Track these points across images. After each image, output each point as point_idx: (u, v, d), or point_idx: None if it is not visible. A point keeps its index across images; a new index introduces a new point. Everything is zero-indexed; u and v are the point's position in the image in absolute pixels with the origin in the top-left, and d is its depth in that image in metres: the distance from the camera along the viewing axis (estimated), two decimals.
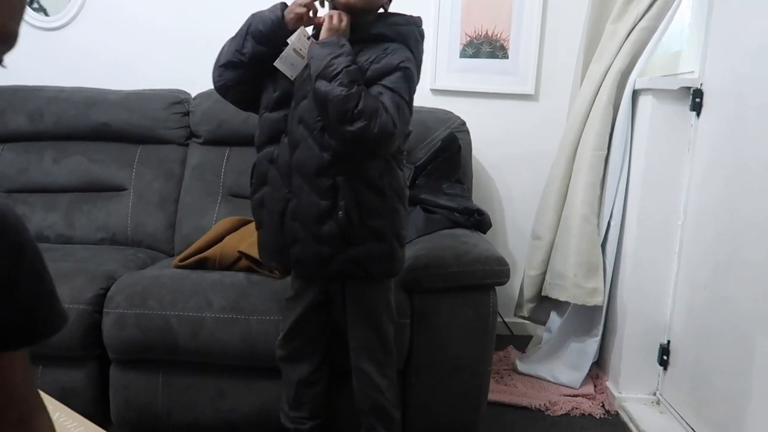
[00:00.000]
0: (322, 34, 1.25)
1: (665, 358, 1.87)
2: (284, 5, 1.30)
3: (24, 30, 2.13)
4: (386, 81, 1.22)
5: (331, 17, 1.25)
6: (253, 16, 1.31)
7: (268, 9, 1.30)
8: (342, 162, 1.25)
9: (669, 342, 1.86)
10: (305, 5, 1.27)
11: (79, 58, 2.37)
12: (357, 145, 1.21)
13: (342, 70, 1.18)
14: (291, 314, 1.44)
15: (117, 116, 2.13)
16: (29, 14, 2.33)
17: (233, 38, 1.33)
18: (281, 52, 1.27)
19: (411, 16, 1.33)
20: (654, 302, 1.88)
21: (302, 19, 1.27)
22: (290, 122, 1.30)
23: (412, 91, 1.26)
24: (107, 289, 1.60)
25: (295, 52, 1.27)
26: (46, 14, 2.35)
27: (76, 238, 2.06)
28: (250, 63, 1.31)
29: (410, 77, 1.25)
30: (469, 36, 2.35)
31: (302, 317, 1.43)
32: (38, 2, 2.34)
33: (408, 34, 1.30)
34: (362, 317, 1.38)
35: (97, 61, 2.36)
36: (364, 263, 1.31)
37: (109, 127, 2.13)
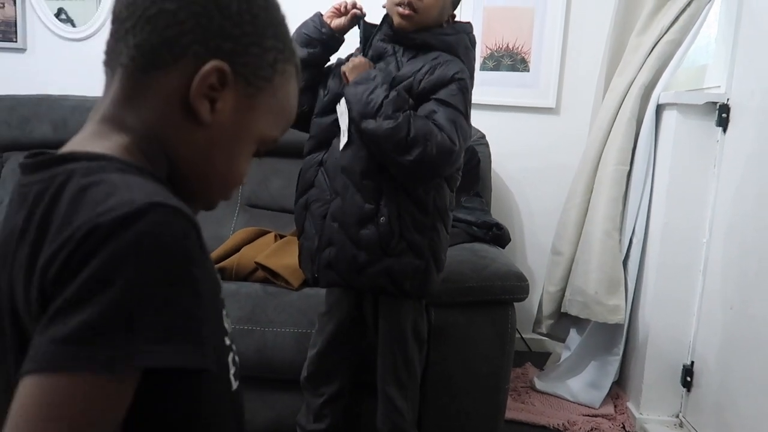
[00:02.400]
0: (349, 76, 1.26)
1: (689, 379, 1.82)
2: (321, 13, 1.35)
3: (51, 40, 2.19)
4: (441, 94, 1.21)
5: (350, 61, 1.27)
6: (297, 28, 1.35)
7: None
8: (384, 170, 1.24)
9: (693, 363, 1.81)
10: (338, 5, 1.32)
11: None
12: (419, 172, 1.20)
13: (382, 103, 1.18)
14: (324, 332, 1.43)
15: None
16: (56, 25, 2.38)
17: None
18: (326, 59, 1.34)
19: (461, 24, 1.32)
20: (677, 321, 1.83)
21: (339, 13, 1.31)
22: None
23: (468, 103, 1.25)
24: None
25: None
26: (73, 25, 2.39)
27: None
28: (304, 68, 1.32)
29: (465, 89, 1.24)
30: (490, 49, 2.34)
31: (336, 336, 1.41)
32: (66, 14, 2.39)
33: (456, 43, 1.29)
34: (392, 339, 1.37)
35: (105, 45, 2.40)
36: (397, 277, 1.29)
37: None
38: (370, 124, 1.19)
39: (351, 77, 1.25)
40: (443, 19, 1.30)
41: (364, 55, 1.32)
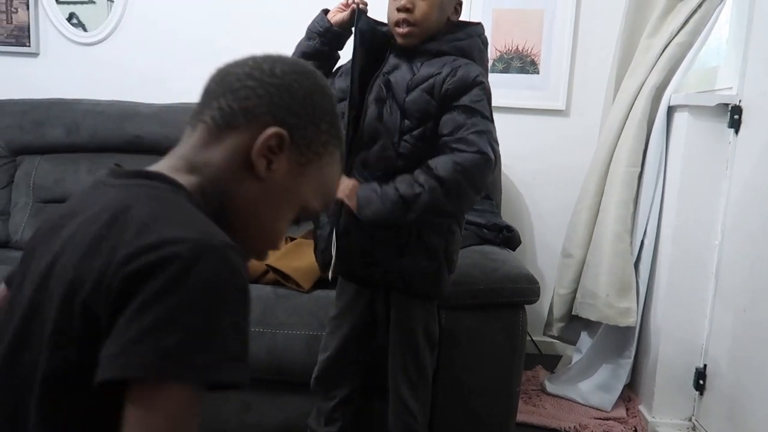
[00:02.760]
0: (351, 205, 1.25)
1: (701, 382, 1.81)
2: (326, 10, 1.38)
3: (63, 45, 2.21)
4: (466, 100, 1.21)
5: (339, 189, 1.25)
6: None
7: None
8: (413, 169, 1.24)
9: (705, 366, 1.80)
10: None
11: (115, 72, 2.42)
12: (476, 198, 1.24)
13: (398, 199, 1.19)
14: (337, 335, 1.43)
15: (150, 129, 2.16)
16: (68, 29, 2.40)
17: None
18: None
19: (472, 28, 1.32)
20: (689, 324, 1.82)
21: (343, 8, 1.34)
22: (368, 120, 1.29)
23: (491, 105, 1.25)
24: None
25: None
26: (85, 30, 2.41)
27: None
28: (316, 58, 1.35)
29: (488, 92, 1.24)
30: (500, 51, 2.33)
31: (348, 339, 1.41)
32: (77, 18, 2.41)
33: (470, 47, 1.28)
34: (402, 340, 1.37)
35: (132, 75, 2.42)
36: (407, 276, 1.29)
37: (141, 139, 2.16)
38: (411, 216, 1.20)
39: (353, 205, 1.24)
40: (446, 15, 1.28)
41: (354, 60, 1.31)
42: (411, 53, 1.29)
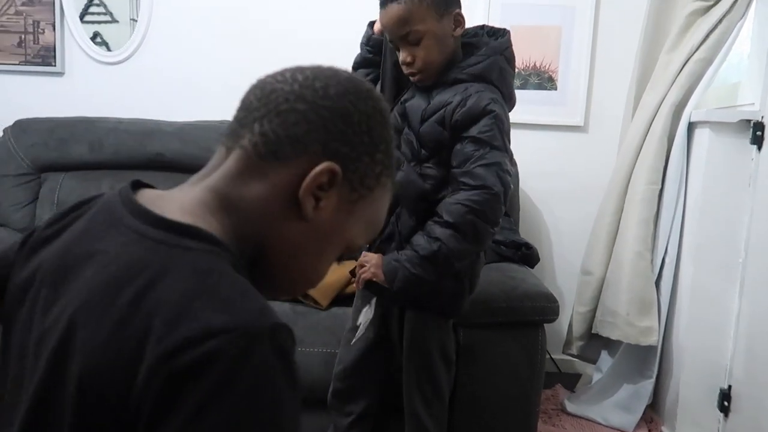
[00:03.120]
0: (380, 279, 1.26)
1: (726, 404, 1.76)
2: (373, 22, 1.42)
3: (87, 64, 2.26)
4: (475, 131, 1.20)
5: (361, 266, 1.28)
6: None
7: None
8: (438, 192, 1.26)
9: (730, 387, 1.76)
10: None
11: (138, 91, 2.47)
12: (491, 234, 1.24)
13: (422, 261, 1.20)
14: (352, 348, 1.43)
15: (171, 147, 2.19)
16: (92, 49, 2.45)
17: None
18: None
19: (492, 46, 1.29)
20: (713, 343, 1.79)
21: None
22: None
23: (504, 132, 1.23)
24: None
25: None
26: (108, 49, 2.46)
27: None
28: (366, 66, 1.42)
29: (500, 120, 1.22)
30: (517, 68, 2.33)
31: (363, 354, 1.41)
32: (101, 37, 2.46)
33: (488, 69, 1.26)
34: (417, 357, 1.36)
35: (154, 93, 2.46)
36: (429, 295, 1.29)
37: (163, 157, 2.19)
38: (441, 270, 1.22)
39: (382, 278, 1.25)
40: (449, 39, 1.27)
41: (383, 82, 1.34)
42: (429, 87, 1.30)
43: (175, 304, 0.47)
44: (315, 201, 0.57)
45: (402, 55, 1.26)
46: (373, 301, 1.35)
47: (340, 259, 0.65)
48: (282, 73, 0.60)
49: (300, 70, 0.59)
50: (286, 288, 0.63)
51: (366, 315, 1.36)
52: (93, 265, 0.53)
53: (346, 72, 0.62)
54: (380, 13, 1.25)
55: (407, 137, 1.29)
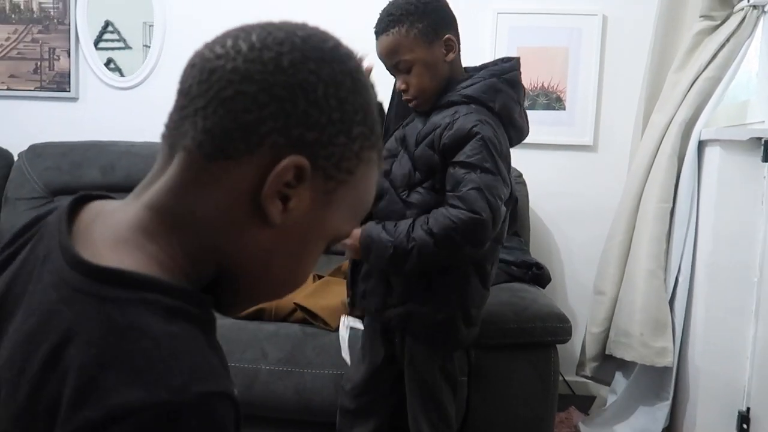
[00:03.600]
0: (351, 247, 1.28)
1: (745, 426, 1.73)
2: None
3: (101, 89, 2.30)
4: (463, 156, 1.19)
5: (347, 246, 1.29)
6: None
7: None
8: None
9: (749, 409, 1.72)
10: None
11: (151, 115, 2.49)
12: (464, 256, 1.24)
13: (392, 251, 1.20)
14: (360, 368, 1.42)
15: None
16: (106, 74, 2.50)
17: None
18: None
19: (488, 69, 1.30)
20: (730, 364, 1.75)
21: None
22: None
23: (497, 154, 1.20)
24: None
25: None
26: (122, 74, 2.50)
27: None
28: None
29: (488, 141, 1.20)
30: (524, 87, 2.34)
31: (373, 373, 1.40)
32: (114, 63, 2.51)
33: (481, 90, 1.25)
34: (418, 380, 1.35)
35: (166, 117, 2.49)
36: (416, 325, 1.29)
37: None
38: (407, 268, 1.22)
39: (357, 249, 1.27)
40: (441, 64, 1.26)
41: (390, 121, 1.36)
42: (426, 111, 1.31)
43: (85, 373, 0.38)
44: (282, 203, 0.46)
45: (397, 83, 1.29)
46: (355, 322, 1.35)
47: (328, 250, 0.54)
48: (222, 42, 0.47)
49: (243, 35, 0.47)
50: (263, 297, 0.53)
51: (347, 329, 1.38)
52: (22, 311, 0.45)
53: (302, 28, 0.49)
54: (375, 44, 1.27)
55: (401, 161, 1.29)
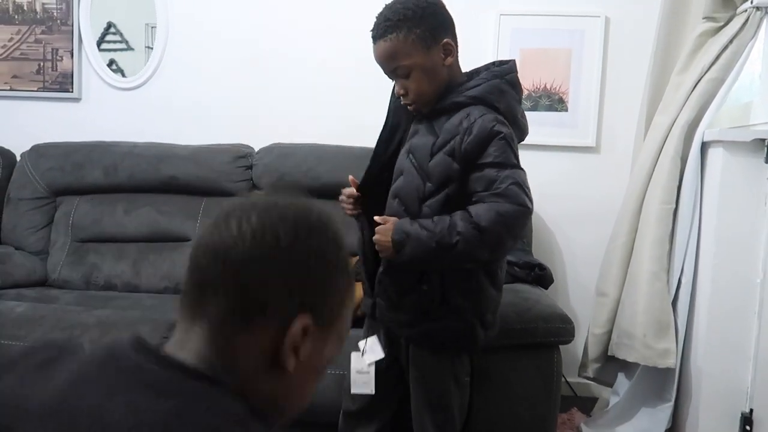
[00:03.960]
0: (382, 242, 1.24)
1: (748, 428, 1.72)
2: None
3: (103, 90, 2.31)
4: (490, 156, 1.19)
5: (377, 236, 1.26)
6: None
7: None
8: None
9: (752, 410, 1.72)
10: None
11: (153, 115, 2.50)
12: (513, 247, 1.27)
13: (435, 246, 1.18)
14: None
15: (185, 170, 2.22)
16: (109, 75, 2.50)
17: None
18: None
19: (494, 70, 1.30)
20: (733, 366, 1.75)
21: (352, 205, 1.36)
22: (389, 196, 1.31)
23: (515, 152, 1.23)
24: (168, 338, 1.63)
25: (359, 373, 1.36)
26: (124, 75, 2.51)
27: (141, 287, 2.13)
28: None
29: (509, 139, 1.22)
30: (527, 89, 2.35)
31: (376, 374, 1.39)
32: (116, 64, 2.51)
33: (487, 92, 1.26)
34: (424, 383, 1.34)
35: (168, 118, 2.49)
36: (436, 337, 1.29)
37: (177, 180, 2.22)
38: (447, 263, 1.21)
39: (388, 244, 1.23)
40: (440, 68, 1.26)
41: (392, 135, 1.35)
42: (429, 116, 1.30)
43: None
44: (295, 355, 0.57)
45: (396, 88, 1.28)
46: (378, 334, 1.34)
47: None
48: (226, 224, 0.57)
49: (246, 217, 0.57)
50: (277, 419, 0.62)
51: (371, 348, 1.35)
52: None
53: (291, 204, 0.60)
54: (372, 48, 1.27)
55: (408, 175, 1.27)
